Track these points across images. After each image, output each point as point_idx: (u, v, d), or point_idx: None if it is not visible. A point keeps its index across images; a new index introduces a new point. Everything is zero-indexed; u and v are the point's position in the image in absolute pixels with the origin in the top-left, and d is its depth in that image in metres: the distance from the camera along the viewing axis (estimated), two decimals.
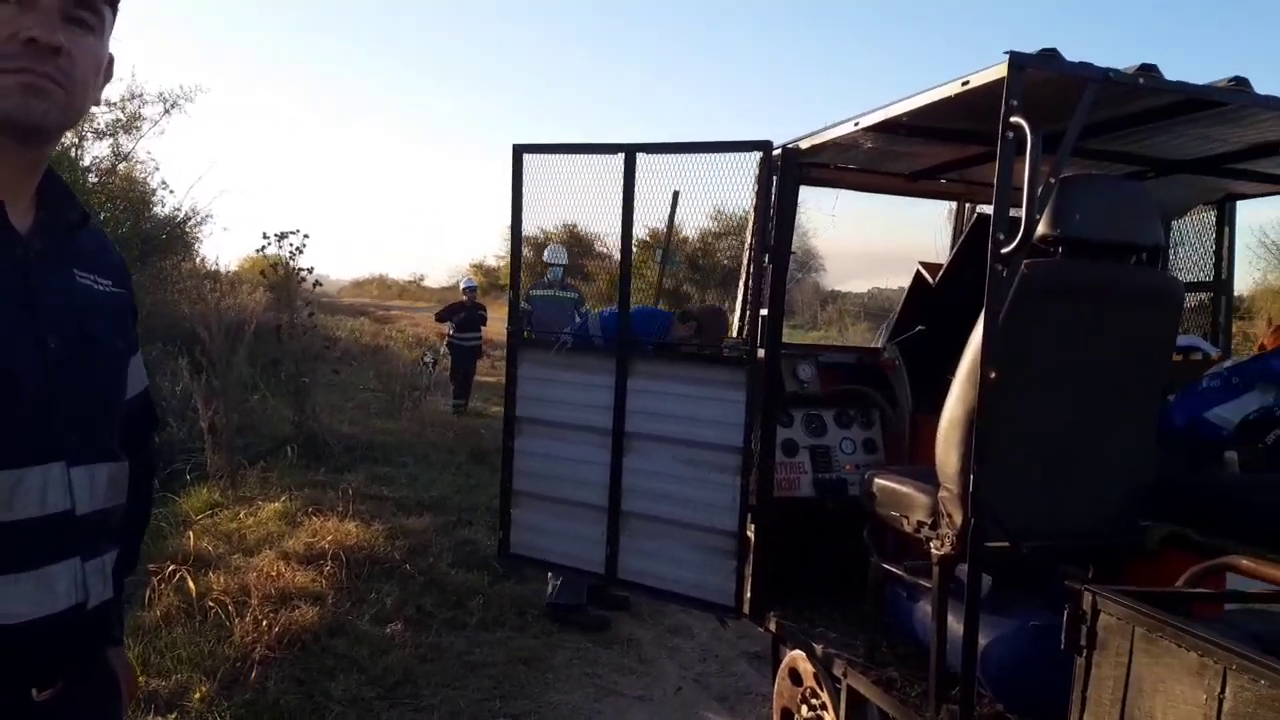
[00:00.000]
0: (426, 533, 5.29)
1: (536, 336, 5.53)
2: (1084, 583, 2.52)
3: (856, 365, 3.91)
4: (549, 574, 4.43)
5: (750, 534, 3.35)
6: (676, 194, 4.04)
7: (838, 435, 3.66)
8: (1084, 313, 2.45)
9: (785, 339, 3.59)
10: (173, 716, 3.13)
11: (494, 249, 45.63)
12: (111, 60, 1.20)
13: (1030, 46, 2.41)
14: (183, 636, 3.59)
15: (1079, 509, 2.52)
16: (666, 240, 7.30)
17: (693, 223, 4.17)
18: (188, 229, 12.00)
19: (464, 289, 10.53)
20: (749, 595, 3.36)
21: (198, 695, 3.23)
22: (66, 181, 1.25)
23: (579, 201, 4.07)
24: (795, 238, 3.77)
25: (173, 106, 11.12)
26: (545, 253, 8.58)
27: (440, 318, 11.49)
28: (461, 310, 10.20)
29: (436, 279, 55.46)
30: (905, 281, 4.07)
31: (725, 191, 3.75)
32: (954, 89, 2.59)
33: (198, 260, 13.40)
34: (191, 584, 3.87)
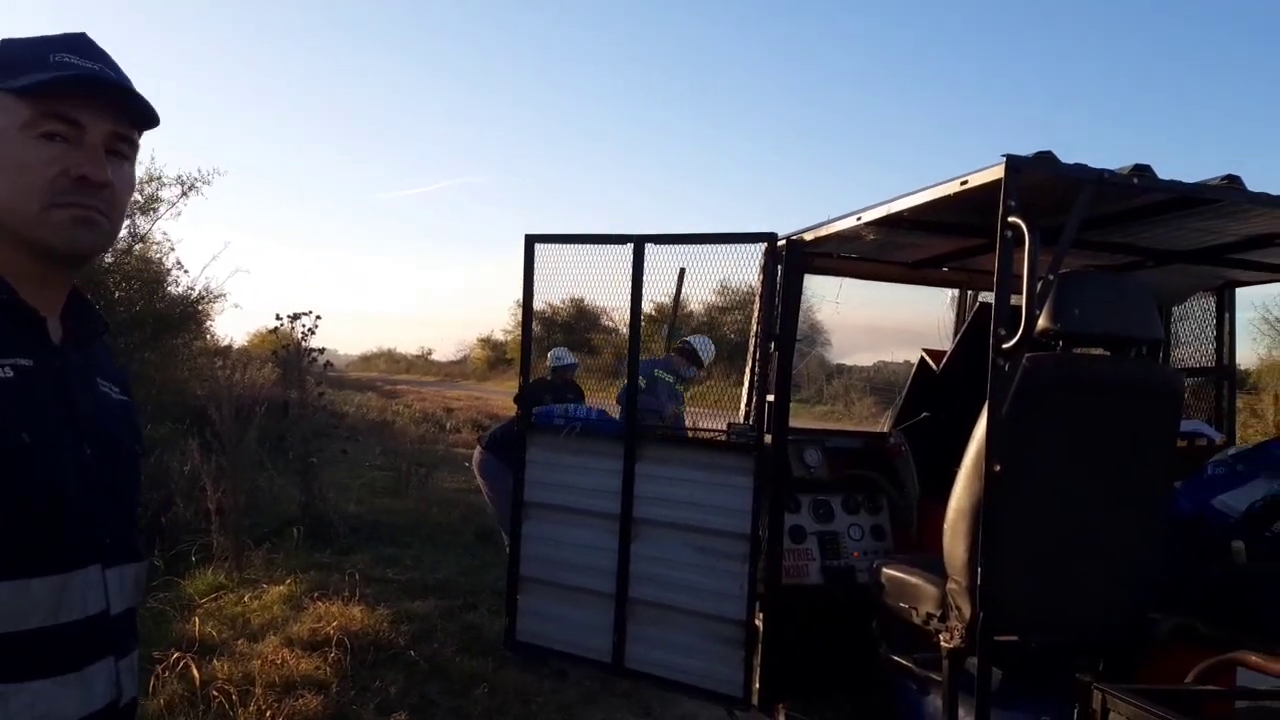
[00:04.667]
0: (431, 617, 5.24)
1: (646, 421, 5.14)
2: (1094, 676, 2.51)
3: (864, 450, 3.93)
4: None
5: (759, 622, 3.33)
6: (683, 271, 4.13)
7: (845, 521, 3.67)
8: (1086, 406, 2.49)
9: (791, 416, 3.62)
10: None
11: (502, 323, 46.10)
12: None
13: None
14: None
15: (1088, 601, 2.52)
16: (673, 315, 7.36)
17: (698, 297, 4.28)
18: (200, 307, 12.14)
19: (554, 366, 6.96)
20: (758, 685, 3.33)
21: None
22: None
23: (589, 284, 4.18)
24: (800, 313, 3.85)
25: (190, 189, 11.36)
26: (696, 340, 6.68)
27: (521, 400, 8.03)
28: (547, 390, 6.91)
29: (444, 352, 55.79)
30: (910, 356, 4.12)
31: (730, 270, 3.87)
32: (953, 188, 2.67)
33: (209, 338, 13.53)
34: (195, 672, 3.83)
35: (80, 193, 1.11)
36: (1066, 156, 2.47)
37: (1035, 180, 2.45)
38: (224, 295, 12.08)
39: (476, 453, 6.23)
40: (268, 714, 3.61)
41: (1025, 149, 2.49)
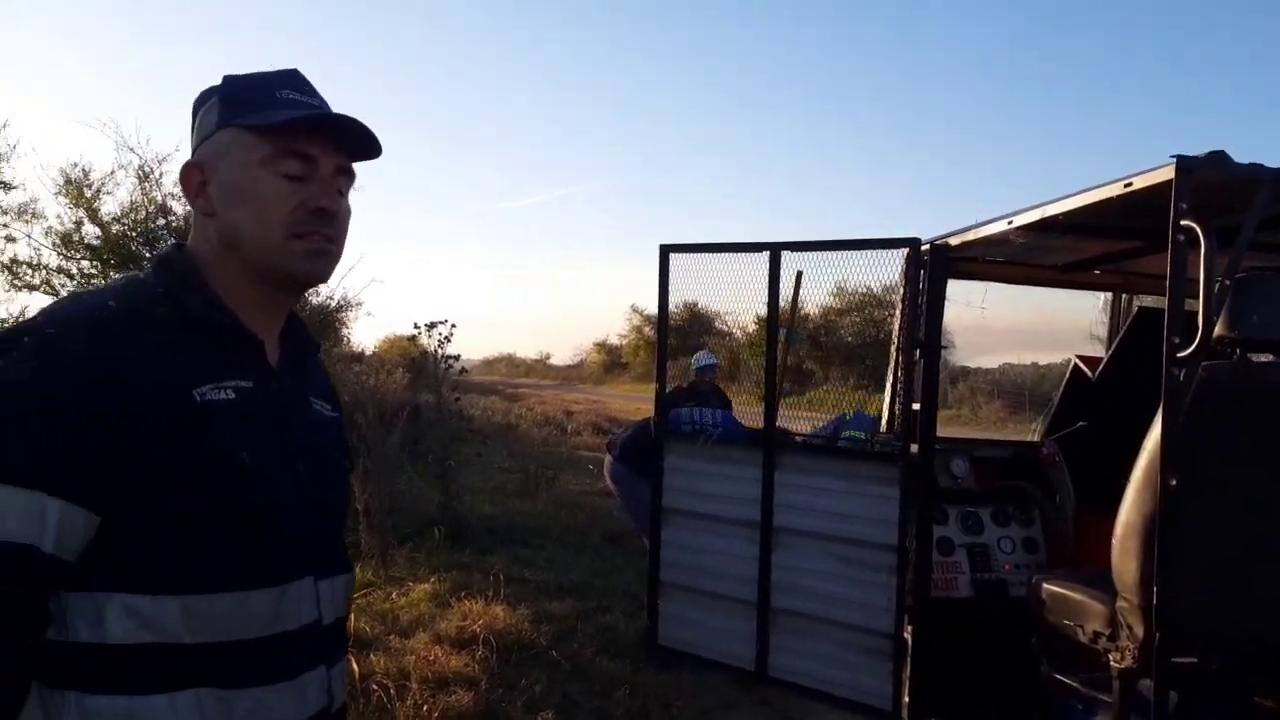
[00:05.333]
0: (569, 618, 5.35)
1: None
2: (1277, 700, 2.38)
3: (1014, 460, 3.82)
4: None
5: (907, 635, 3.29)
6: (800, 274, 4.11)
7: (996, 533, 3.58)
8: (1263, 414, 2.37)
9: None
10: None
11: (616, 327, 46.64)
12: None
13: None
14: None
15: (1269, 618, 2.39)
16: (790, 319, 7.29)
17: (814, 299, 4.24)
18: (339, 315, 12.73)
19: (696, 368, 7.14)
20: (907, 699, 3.28)
21: None
22: None
23: (709, 290, 4.21)
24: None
25: None
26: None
27: (660, 407, 6.97)
28: (690, 398, 6.70)
29: (562, 356, 56.78)
30: (1039, 358, 3.99)
31: (847, 272, 3.85)
32: (1115, 190, 2.58)
33: (345, 345, 14.17)
34: (355, 666, 4.03)
35: (317, 222, 1.18)
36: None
37: (1205, 180, 2.35)
38: (360, 304, 12.63)
39: (607, 461, 6.28)
40: (424, 708, 3.76)
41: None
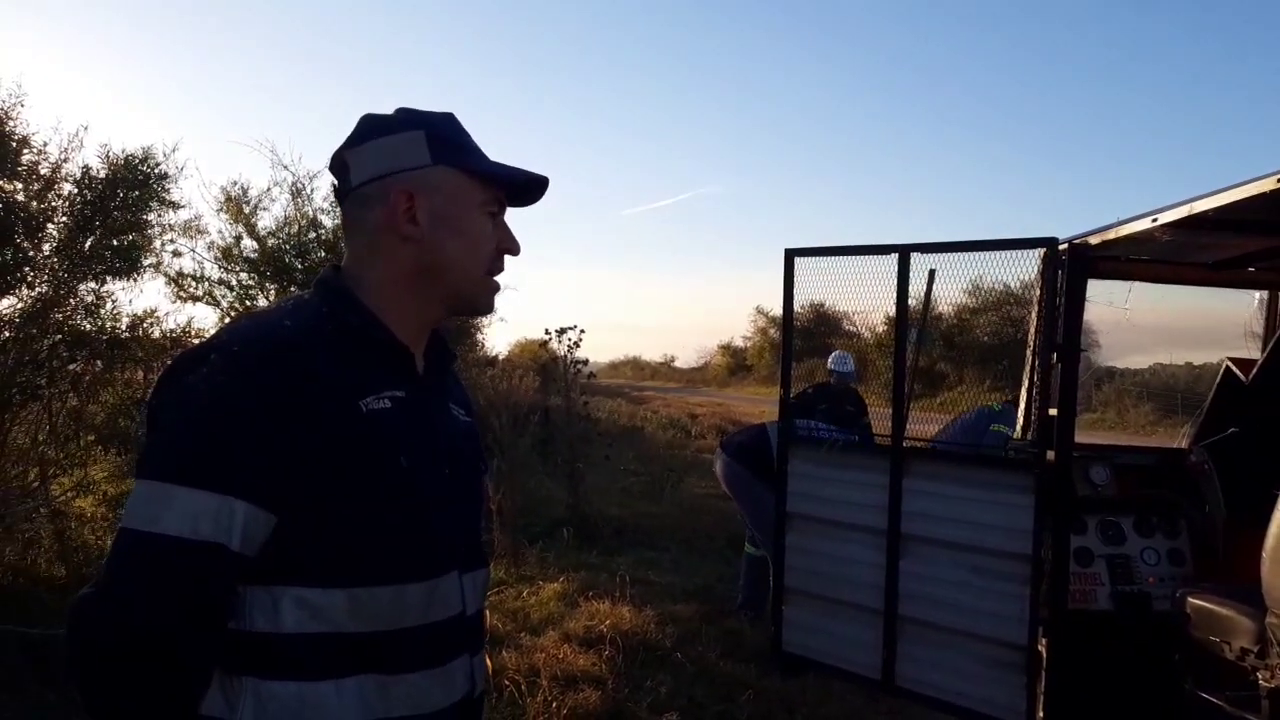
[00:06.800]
0: (694, 620, 5.40)
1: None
2: None
3: (1158, 467, 3.65)
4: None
5: (1042, 648, 3.18)
6: (933, 272, 4.02)
7: (1138, 544, 3.42)
8: None
9: None
10: None
11: (740, 329, 46.39)
12: None
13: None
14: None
15: None
16: (922, 319, 7.08)
17: (948, 298, 4.07)
18: (474, 323, 13.17)
19: (833, 370, 6.88)
20: (1041, 714, 3.18)
21: None
22: None
23: (835, 291, 4.17)
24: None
25: None
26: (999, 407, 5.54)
27: (787, 411, 7.39)
28: (823, 399, 6.64)
29: (686, 359, 56.85)
30: (1193, 357, 3.79)
31: (983, 270, 3.75)
32: (1269, 185, 2.45)
33: (479, 350, 14.65)
34: (489, 662, 4.20)
35: (500, 262, 1.33)
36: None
37: None
38: (493, 311, 13.04)
39: (720, 463, 6.13)
40: (553, 705, 3.88)
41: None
